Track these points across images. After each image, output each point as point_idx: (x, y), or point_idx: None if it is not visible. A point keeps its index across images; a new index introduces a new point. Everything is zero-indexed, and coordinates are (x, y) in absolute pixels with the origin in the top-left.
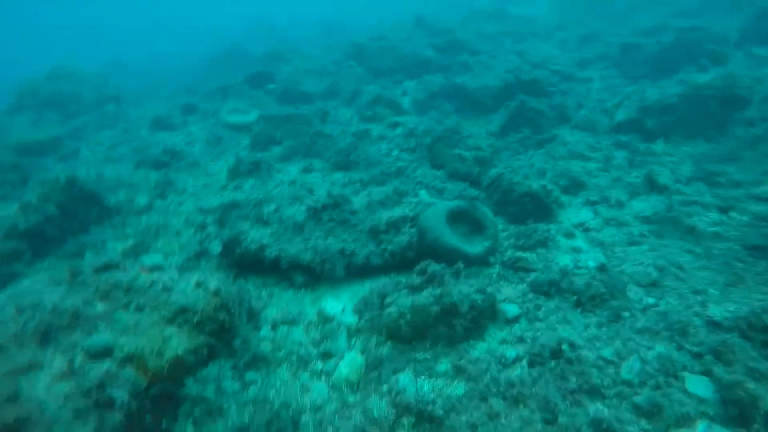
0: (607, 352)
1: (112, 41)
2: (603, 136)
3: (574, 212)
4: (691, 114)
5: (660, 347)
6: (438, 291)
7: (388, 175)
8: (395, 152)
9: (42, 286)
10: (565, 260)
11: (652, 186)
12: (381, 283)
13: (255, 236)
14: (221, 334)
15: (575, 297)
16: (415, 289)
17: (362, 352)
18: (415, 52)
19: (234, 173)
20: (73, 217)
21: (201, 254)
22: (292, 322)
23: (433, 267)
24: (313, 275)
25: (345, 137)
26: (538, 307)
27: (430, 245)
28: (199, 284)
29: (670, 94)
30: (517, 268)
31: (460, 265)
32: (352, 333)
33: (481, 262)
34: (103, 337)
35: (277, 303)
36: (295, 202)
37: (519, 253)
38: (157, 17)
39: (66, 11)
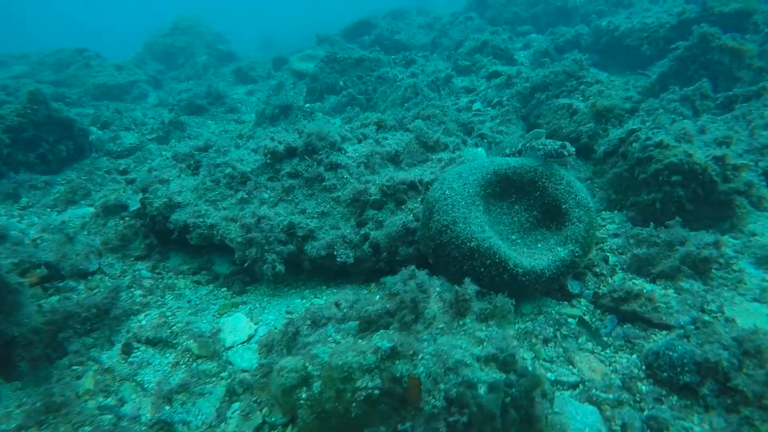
0: None
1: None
2: None
3: None
4: None
5: None
6: (388, 344)
7: (431, 121)
8: (477, 105)
9: None
10: (757, 320)
11: None
12: (336, 299)
13: (174, 188)
14: None
15: None
16: (367, 325)
17: None
18: None
19: (259, 120)
20: (32, 148)
21: (115, 210)
22: (163, 343)
23: (412, 284)
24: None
25: (408, 81)
26: (659, 427)
27: (438, 237)
28: None
29: None
30: (626, 314)
31: (468, 289)
32: (235, 390)
33: (545, 286)
34: None
35: (171, 303)
36: (261, 144)
37: (637, 283)
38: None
39: None
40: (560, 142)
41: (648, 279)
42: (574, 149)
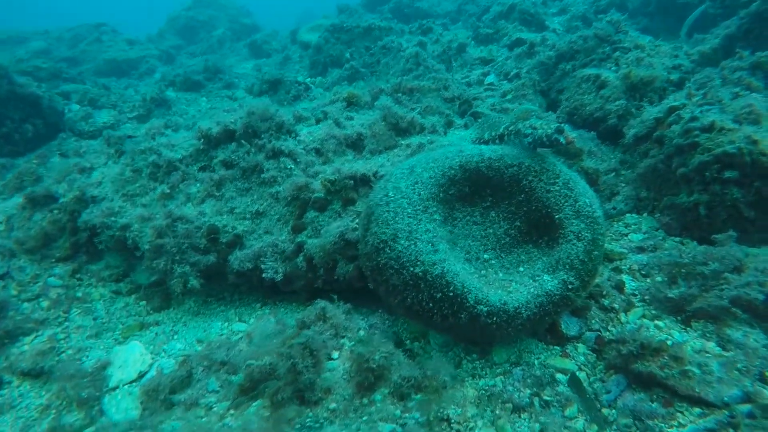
0: None
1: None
2: None
3: None
4: None
5: None
6: None
7: (411, 96)
8: (490, 78)
9: None
10: None
11: None
12: (251, 329)
13: (94, 178)
14: None
15: None
16: (251, 385)
17: None
18: None
19: (250, 96)
20: None
21: (44, 202)
22: (46, 376)
23: (299, 339)
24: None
25: (410, 51)
26: None
27: (374, 256)
28: None
29: None
30: (639, 376)
31: (376, 353)
32: None
33: (522, 331)
34: None
35: (73, 321)
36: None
37: (660, 326)
38: None
39: None
40: (556, 125)
41: (679, 318)
42: (575, 135)
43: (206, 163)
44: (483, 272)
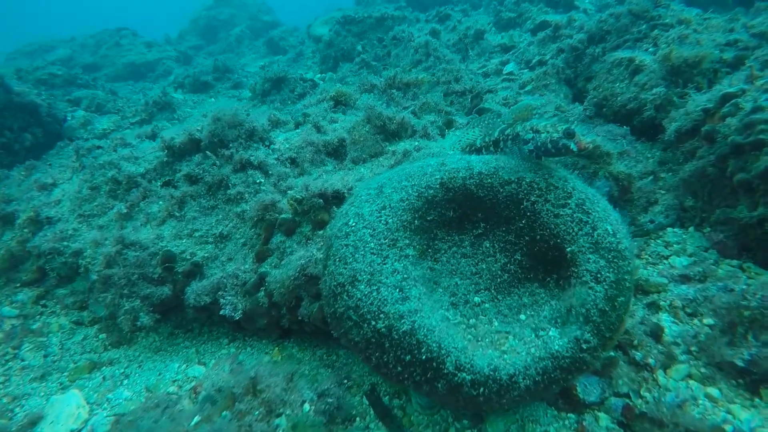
0: None
1: None
2: None
3: None
4: None
5: None
6: None
7: (406, 92)
8: (510, 67)
9: None
10: None
11: None
12: (198, 383)
13: (54, 196)
14: None
15: None
16: None
17: None
18: None
19: (253, 96)
20: None
21: (14, 220)
22: None
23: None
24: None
25: (420, 40)
26: None
27: (332, 302)
28: None
29: None
30: None
31: None
32: None
33: (521, 399)
34: None
35: (22, 358)
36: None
37: (715, 396)
38: None
39: None
40: (565, 126)
41: (741, 383)
42: (591, 139)
43: (171, 177)
44: (472, 321)
